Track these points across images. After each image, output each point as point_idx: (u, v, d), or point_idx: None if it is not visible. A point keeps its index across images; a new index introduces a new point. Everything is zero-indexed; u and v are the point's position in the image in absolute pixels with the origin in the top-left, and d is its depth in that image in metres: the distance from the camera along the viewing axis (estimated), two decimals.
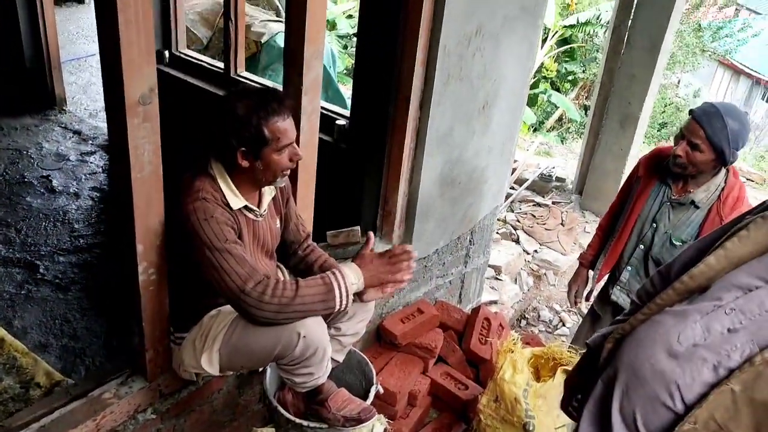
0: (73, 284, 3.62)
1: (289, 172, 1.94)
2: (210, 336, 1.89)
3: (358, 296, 1.92)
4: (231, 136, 1.80)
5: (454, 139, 2.89)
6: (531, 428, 2.38)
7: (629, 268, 2.74)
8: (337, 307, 1.84)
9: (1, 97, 5.41)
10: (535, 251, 5.15)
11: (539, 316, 4.57)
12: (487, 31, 2.75)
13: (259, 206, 1.98)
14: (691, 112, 2.40)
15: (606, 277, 2.92)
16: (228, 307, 1.90)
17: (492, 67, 2.90)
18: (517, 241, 5.17)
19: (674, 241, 2.58)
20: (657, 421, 1.18)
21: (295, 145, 1.89)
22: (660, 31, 5.09)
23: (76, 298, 3.52)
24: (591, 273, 2.98)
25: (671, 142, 2.54)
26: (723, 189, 2.49)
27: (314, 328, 1.84)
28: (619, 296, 2.80)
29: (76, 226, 4.10)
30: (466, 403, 2.83)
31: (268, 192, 2.03)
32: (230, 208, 1.86)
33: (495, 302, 4.31)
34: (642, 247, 2.68)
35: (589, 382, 1.41)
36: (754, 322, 1.14)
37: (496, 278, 4.59)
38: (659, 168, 2.62)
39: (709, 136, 2.33)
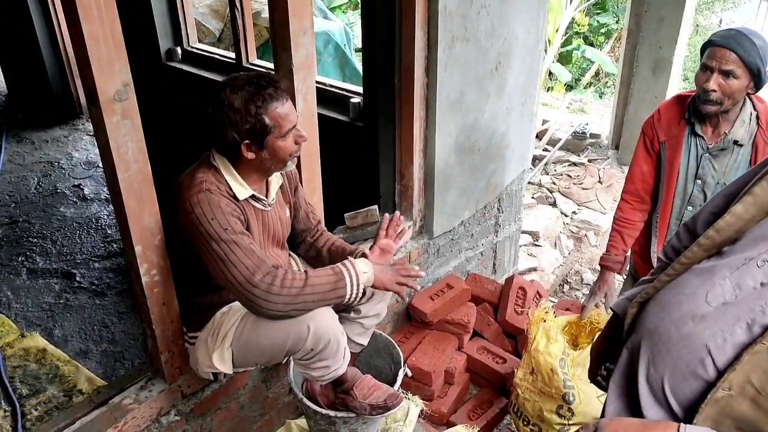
0: (109, 289, 3.66)
1: (297, 155, 1.86)
2: (221, 333, 1.83)
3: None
4: (232, 130, 1.72)
5: (467, 104, 2.76)
6: (571, 399, 2.26)
7: None
8: (348, 295, 1.78)
9: (31, 112, 5.53)
10: (574, 213, 4.95)
11: (582, 279, 4.39)
12: None
13: (267, 196, 1.91)
14: (710, 42, 2.17)
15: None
16: (239, 303, 1.84)
17: (500, 24, 2.74)
18: (554, 204, 4.99)
19: None
20: (687, 389, 1.09)
21: (298, 127, 1.81)
22: None
23: (112, 302, 3.56)
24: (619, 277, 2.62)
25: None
26: (758, 116, 2.25)
27: (324, 319, 1.77)
28: None
29: (108, 231, 4.14)
30: (505, 376, 2.72)
31: (276, 180, 1.95)
32: (236, 199, 1.79)
33: (534, 269, 4.16)
34: (691, 208, 2.38)
35: (617, 350, 1.31)
36: None
37: (535, 244, 4.43)
38: (677, 123, 2.34)
39: (743, 57, 2.10)
